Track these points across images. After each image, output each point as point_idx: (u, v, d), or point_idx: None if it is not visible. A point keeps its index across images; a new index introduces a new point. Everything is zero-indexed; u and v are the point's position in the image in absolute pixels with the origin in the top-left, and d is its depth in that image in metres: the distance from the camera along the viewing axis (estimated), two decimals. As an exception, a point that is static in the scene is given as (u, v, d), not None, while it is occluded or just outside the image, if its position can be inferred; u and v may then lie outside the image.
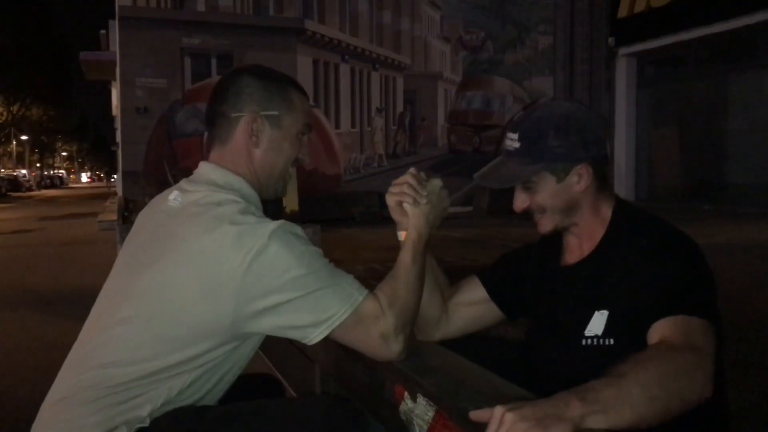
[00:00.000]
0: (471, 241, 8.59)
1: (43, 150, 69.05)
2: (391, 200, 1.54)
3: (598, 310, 1.38)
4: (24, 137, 57.25)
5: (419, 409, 1.35)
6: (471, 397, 1.24)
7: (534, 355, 1.55)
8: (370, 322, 1.35)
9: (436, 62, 14.56)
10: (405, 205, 1.52)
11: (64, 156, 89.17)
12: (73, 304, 5.78)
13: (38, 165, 69.25)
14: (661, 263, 1.32)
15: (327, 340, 1.35)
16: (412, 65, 14.27)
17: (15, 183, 44.50)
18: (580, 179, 1.41)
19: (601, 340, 1.36)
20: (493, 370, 1.40)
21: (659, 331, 1.22)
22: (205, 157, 1.54)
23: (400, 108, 14.26)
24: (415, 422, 1.35)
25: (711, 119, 12.64)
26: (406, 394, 1.41)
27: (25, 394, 3.54)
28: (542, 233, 1.50)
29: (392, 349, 1.37)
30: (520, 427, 0.97)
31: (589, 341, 1.37)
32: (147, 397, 1.31)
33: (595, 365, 1.13)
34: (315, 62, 13.33)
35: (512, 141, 1.43)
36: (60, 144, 75.48)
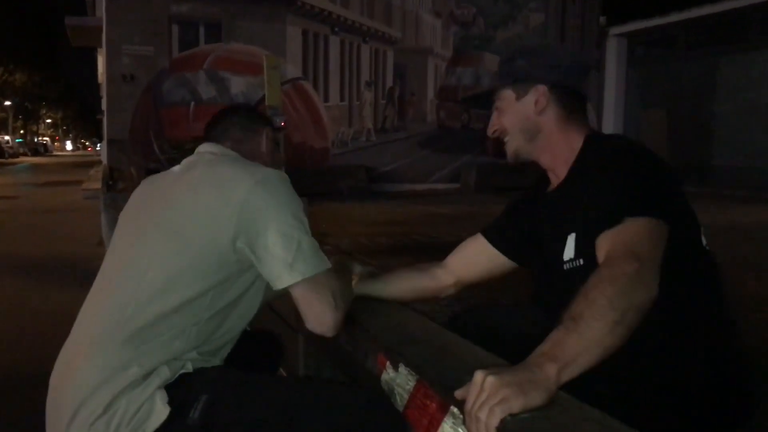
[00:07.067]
0: (458, 218, 8.61)
1: (27, 117, 67.96)
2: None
3: (569, 233, 1.42)
4: (7, 103, 56.29)
5: (400, 379, 1.37)
6: (452, 367, 1.27)
7: (538, 287, 1.62)
8: (324, 288, 1.44)
9: (427, 37, 14.44)
10: None
11: (48, 123, 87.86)
12: (56, 271, 5.75)
13: (22, 132, 68.17)
14: (605, 175, 1.34)
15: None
16: (402, 39, 14.16)
17: (-2, 149, 43.81)
18: (537, 100, 1.49)
19: (575, 262, 1.40)
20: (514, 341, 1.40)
21: (603, 246, 1.24)
22: (197, 132, 1.73)
23: (389, 82, 14.17)
24: (396, 391, 1.38)
25: (699, 101, 12.70)
26: (387, 363, 1.43)
27: (10, 360, 3.54)
28: (509, 162, 1.57)
29: (335, 318, 1.44)
30: (503, 392, 1.00)
31: (567, 265, 1.41)
32: (176, 337, 1.37)
33: (577, 288, 1.15)
34: (304, 33, 13.19)
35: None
36: (44, 111, 74.32)
